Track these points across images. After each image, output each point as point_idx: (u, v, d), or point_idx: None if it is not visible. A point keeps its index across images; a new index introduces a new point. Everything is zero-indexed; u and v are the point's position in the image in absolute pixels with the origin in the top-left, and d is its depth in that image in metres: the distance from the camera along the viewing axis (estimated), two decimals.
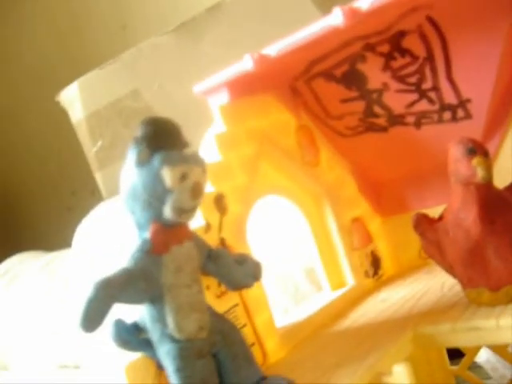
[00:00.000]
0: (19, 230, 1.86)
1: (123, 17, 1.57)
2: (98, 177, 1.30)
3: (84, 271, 1.02)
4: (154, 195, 0.36)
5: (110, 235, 1.03)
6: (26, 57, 1.77)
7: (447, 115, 0.53)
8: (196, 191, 0.37)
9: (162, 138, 0.37)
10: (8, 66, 1.80)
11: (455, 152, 0.44)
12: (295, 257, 0.73)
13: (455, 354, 0.61)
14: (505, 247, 0.44)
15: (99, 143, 1.25)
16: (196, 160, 0.37)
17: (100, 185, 1.31)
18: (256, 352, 0.44)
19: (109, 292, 0.35)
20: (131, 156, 0.37)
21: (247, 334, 0.45)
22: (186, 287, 0.38)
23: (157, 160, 0.36)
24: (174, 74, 1.15)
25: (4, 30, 1.78)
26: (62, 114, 1.34)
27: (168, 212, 0.36)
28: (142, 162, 0.36)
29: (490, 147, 0.51)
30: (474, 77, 0.51)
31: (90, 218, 1.14)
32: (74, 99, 1.24)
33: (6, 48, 1.80)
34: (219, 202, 0.47)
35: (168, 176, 0.36)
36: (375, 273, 0.59)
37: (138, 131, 0.37)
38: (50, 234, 1.66)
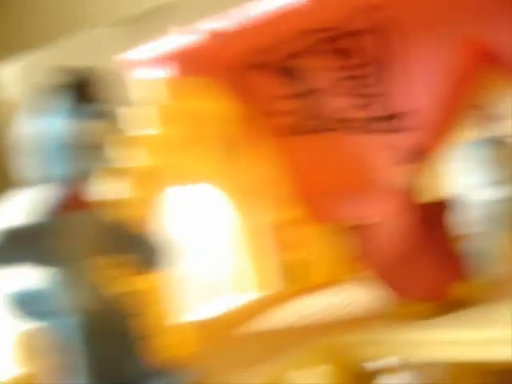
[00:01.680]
0: None
1: None
2: None
3: None
4: (59, 150, 0.34)
5: None
6: None
7: (386, 124, 0.51)
8: (99, 150, 0.35)
9: (75, 90, 0.34)
10: None
11: (389, 159, 0.45)
12: (217, 256, 0.70)
13: None
14: (434, 261, 0.43)
15: None
16: (107, 116, 0.35)
17: None
18: (153, 344, 0.40)
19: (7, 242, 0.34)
20: (40, 106, 0.35)
21: (143, 324, 0.41)
22: (83, 259, 0.36)
23: (65, 112, 0.34)
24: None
25: None
26: None
27: (71, 169, 0.34)
28: (48, 113, 0.34)
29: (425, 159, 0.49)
30: (418, 88, 0.49)
31: None
32: None
33: None
34: (141, 177, 0.44)
35: (74, 130, 0.34)
36: (302, 278, 0.57)
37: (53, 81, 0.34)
38: None
